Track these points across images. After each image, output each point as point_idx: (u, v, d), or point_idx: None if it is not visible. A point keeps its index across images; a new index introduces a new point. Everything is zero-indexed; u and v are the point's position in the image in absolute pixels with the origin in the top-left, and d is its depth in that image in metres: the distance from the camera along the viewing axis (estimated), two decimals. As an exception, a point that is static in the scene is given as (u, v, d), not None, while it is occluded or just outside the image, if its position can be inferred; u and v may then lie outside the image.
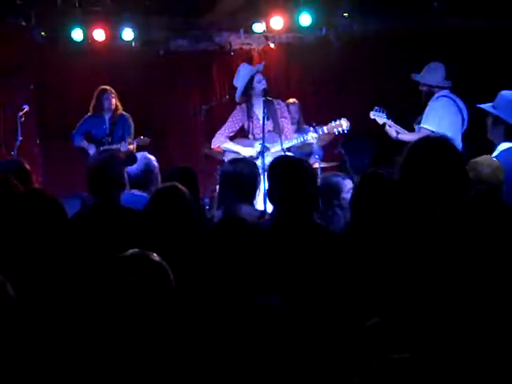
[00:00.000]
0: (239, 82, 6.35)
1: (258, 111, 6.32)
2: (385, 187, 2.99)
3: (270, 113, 6.24)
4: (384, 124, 5.89)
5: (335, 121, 6.08)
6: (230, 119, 6.51)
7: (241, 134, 6.43)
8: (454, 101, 5.73)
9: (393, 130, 5.81)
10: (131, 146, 6.74)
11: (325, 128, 6.08)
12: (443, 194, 2.73)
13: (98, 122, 7.07)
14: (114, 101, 7.00)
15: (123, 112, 7.09)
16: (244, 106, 6.36)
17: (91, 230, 3.65)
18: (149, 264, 2.18)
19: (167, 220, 3.27)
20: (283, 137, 6.23)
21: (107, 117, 7.05)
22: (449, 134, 5.56)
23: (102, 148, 6.91)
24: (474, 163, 3.78)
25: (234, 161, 4.23)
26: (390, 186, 3.02)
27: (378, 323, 2.13)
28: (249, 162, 4.23)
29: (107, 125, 7.05)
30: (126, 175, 4.10)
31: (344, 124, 6.04)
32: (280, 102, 6.40)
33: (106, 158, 4.11)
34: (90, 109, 7.09)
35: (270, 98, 6.18)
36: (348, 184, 4.27)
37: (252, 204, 4.00)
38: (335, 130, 6.05)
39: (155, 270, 2.17)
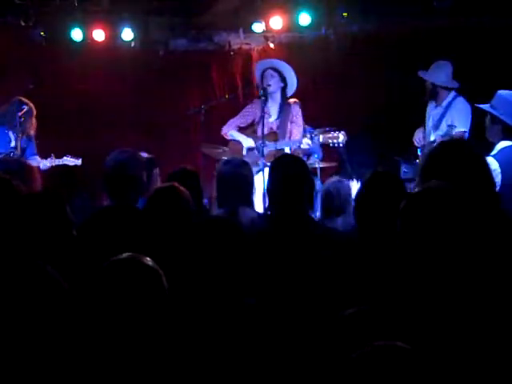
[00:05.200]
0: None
1: (273, 109, 6.32)
2: (394, 185, 3.01)
3: (281, 114, 6.27)
4: None
5: (334, 131, 5.99)
6: (243, 110, 6.56)
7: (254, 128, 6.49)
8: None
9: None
10: None
11: (321, 137, 5.98)
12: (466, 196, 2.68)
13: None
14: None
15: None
16: (260, 100, 6.36)
17: (106, 232, 3.53)
18: (141, 268, 2.17)
19: (164, 220, 3.25)
20: (286, 139, 6.24)
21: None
22: (468, 132, 5.81)
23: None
24: None
25: (227, 161, 4.18)
26: (399, 184, 3.05)
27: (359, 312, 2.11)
28: (242, 162, 4.19)
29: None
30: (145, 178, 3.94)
31: (341, 137, 5.93)
32: (295, 106, 6.38)
33: (125, 158, 3.87)
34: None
35: (294, 100, 6.22)
36: (353, 186, 4.34)
37: (251, 205, 3.99)
38: (330, 141, 5.95)
39: (147, 274, 2.17)
